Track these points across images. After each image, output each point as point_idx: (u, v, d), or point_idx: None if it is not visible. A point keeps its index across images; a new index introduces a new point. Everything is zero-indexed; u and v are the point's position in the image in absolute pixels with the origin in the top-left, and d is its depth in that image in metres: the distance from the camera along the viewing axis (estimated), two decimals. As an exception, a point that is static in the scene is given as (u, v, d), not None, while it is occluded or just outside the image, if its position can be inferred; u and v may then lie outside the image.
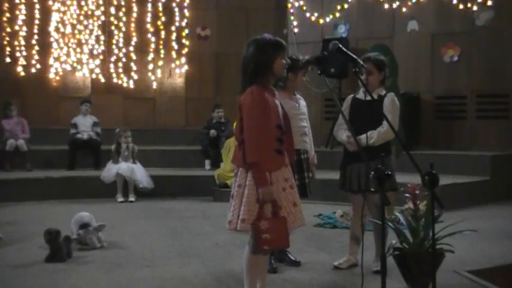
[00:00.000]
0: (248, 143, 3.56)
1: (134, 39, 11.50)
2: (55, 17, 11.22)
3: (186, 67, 11.71)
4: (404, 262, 4.20)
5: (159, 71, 11.63)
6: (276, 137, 3.61)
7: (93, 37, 11.34)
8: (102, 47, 11.38)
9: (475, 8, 9.68)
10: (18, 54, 11.14)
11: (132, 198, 8.62)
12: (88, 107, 10.16)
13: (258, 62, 3.61)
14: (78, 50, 11.32)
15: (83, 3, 11.28)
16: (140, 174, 8.74)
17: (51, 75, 11.31)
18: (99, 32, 11.37)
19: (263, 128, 3.54)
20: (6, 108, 9.86)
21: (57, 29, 11.25)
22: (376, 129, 4.58)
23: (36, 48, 11.21)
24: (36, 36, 11.20)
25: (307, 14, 11.09)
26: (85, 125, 10.00)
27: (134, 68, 11.54)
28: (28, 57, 11.18)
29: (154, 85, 11.66)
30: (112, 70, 11.44)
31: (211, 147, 9.95)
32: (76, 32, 11.29)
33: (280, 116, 3.67)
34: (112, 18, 11.43)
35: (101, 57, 11.39)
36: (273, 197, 3.55)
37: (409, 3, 10.20)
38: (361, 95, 4.69)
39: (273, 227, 3.52)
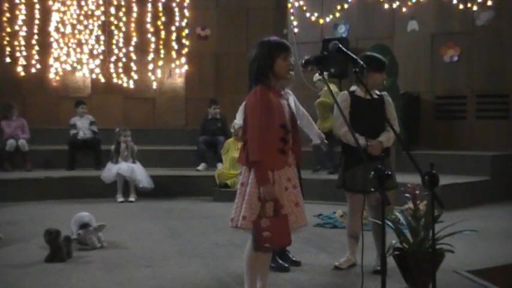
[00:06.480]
0: (250, 142, 3.60)
1: (134, 39, 11.51)
2: (55, 17, 11.23)
3: (186, 67, 11.71)
4: (404, 262, 4.20)
5: (159, 71, 11.64)
6: (279, 137, 3.62)
7: (93, 37, 11.35)
8: (102, 47, 11.39)
9: (475, 8, 9.69)
10: (18, 54, 11.14)
11: (132, 198, 8.62)
12: (84, 109, 10.13)
13: (259, 63, 3.65)
14: (78, 50, 11.33)
15: (83, 3, 11.29)
16: (140, 174, 8.74)
17: (51, 75, 11.31)
18: (99, 32, 11.37)
19: (265, 128, 3.56)
20: (7, 111, 9.85)
21: (57, 29, 11.25)
22: (379, 130, 4.63)
23: (36, 48, 11.22)
24: (36, 36, 11.21)
25: (307, 14, 11.10)
26: (83, 126, 9.98)
27: (134, 68, 11.54)
28: (28, 57, 11.18)
29: (154, 85, 11.67)
30: (112, 70, 11.44)
31: (210, 148, 9.91)
32: (76, 32, 11.30)
33: (285, 116, 3.68)
34: (112, 18, 11.44)
35: (101, 57, 11.40)
36: (274, 196, 3.57)
37: (409, 3, 10.21)
38: (360, 92, 4.68)
39: (274, 225, 3.54)
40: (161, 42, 11.58)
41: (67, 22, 11.27)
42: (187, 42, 11.67)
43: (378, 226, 4.41)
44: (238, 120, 4.74)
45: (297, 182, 3.76)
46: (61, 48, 11.28)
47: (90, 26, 11.35)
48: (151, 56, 11.57)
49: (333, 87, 8.97)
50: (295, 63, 4.58)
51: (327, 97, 8.91)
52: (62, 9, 11.25)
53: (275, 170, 3.61)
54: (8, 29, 11.10)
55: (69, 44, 11.30)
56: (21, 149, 9.54)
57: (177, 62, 11.68)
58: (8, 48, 11.11)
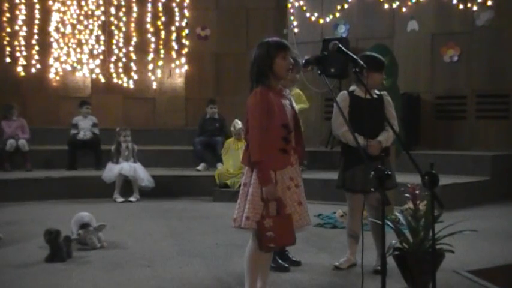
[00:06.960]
0: (251, 143, 3.62)
1: (134, 39, 11.51)
2: (55, 17, 11.23)
3: (186, 67, 11.71)
4: (404, 262, 4.20)
5: (159, 71, 11.63)
6: (281, 136, 3.63)
7: (93, 37, 11.35)
8: (102, 47, 11.39)
9: (475, 8, 9.69)
10: (18, 54, 11.15)
11: (134, 199, 8.61)
12: (89, 109, 10.14)
13: (259, 64, 3.66)
14: (78, 50, 11.33)
15: (83, 3, 11.29)
16: (142, 172, 8.75)
17: (51, 75, 11.32)
18: (99, 32, 11.38)
19: (265, 128, 3.57)
20: (7, 111, 9.84)
21: (57, 29, 11.26)
22: (378, 129, 4.64)
23: (36, 48, 11.23)
24: (36, 36, 11.22)
25: (307, 14, 11.10)
26: (85, 127, 9.97)
27: (134, 68, 11.54)
28: (28, 57, 11.19)
29: (154, 85, 11.67)
30: (112, 70, 11.44)
31: (207, 149, 9.90)
32: (76, 32, 11.31)
33: (287, 116, 3.68)
34: (112, 18, 11.44)
35: (101, 57, 11.41)
36: (276, 196, 3.57)
37: (409, 3, 10.20)
38: (359, 92, 4.67)
39: (278, 225, 3.55)
40: (161, 42, 11.58)
41: (67, 22, 11.27)
42: (187, 42, 11.67)
43: (377, 226, 4.40)
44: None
45: (299, 181, 3.76)
46: (61, 48, 11.29)
47: (90, 26, 11.35)
48: (151, 56, 11.57)
49: (298, 91, 8.76)
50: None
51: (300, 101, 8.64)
52: (62, 9, 11.25)
53: (277, 170, 3.62)
54: (8, 29, 11.11)
55: (69, 44, 11.30)
56: (21, 149, 9.54)
57: (177, 62, 11.68)
58: (8, 48, 11.12)
